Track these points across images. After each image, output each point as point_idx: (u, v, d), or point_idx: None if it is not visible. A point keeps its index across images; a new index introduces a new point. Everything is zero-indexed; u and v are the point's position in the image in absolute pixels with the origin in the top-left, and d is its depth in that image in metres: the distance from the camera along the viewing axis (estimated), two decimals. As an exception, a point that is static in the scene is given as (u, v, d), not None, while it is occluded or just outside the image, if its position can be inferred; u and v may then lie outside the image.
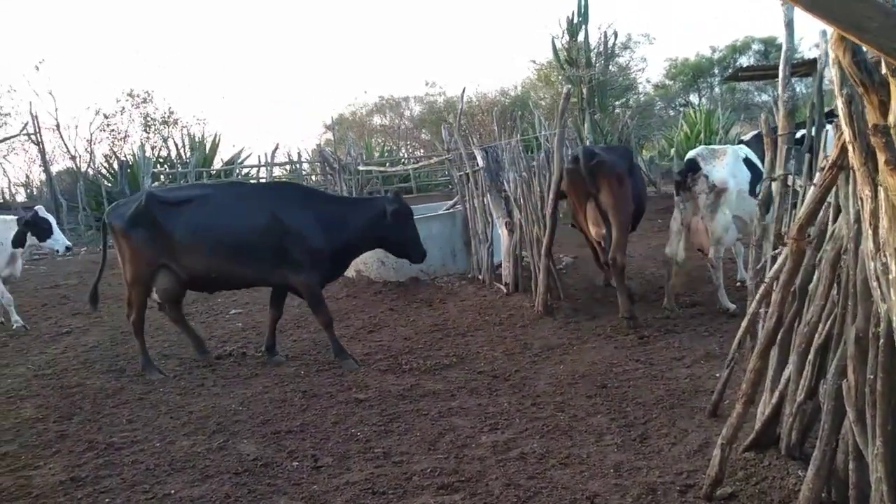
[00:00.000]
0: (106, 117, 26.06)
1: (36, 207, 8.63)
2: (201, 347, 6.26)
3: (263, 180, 17.48)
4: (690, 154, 6.57)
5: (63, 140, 24.96)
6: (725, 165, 6.32)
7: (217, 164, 22.62)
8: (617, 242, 6.32)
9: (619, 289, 6.35)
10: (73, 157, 25.00)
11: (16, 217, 8.35)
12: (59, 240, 8.49)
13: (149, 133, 26.97)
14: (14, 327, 8.12)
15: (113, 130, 26.37)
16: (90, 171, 24.06)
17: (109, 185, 19.75)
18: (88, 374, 6.04)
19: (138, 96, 26.88)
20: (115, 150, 25.28)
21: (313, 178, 22.52)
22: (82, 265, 13.10)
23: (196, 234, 5.71)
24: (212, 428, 4.55)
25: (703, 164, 6.31)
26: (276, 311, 6.20)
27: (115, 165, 20.51)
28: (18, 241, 8.27)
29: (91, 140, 25.81)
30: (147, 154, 19.64)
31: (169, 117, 27.57)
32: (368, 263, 9.17)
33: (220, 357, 6.29)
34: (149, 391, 5.45)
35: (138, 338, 5.97)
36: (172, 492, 3.67)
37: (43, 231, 8.31)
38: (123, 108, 26.62)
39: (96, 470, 4.00)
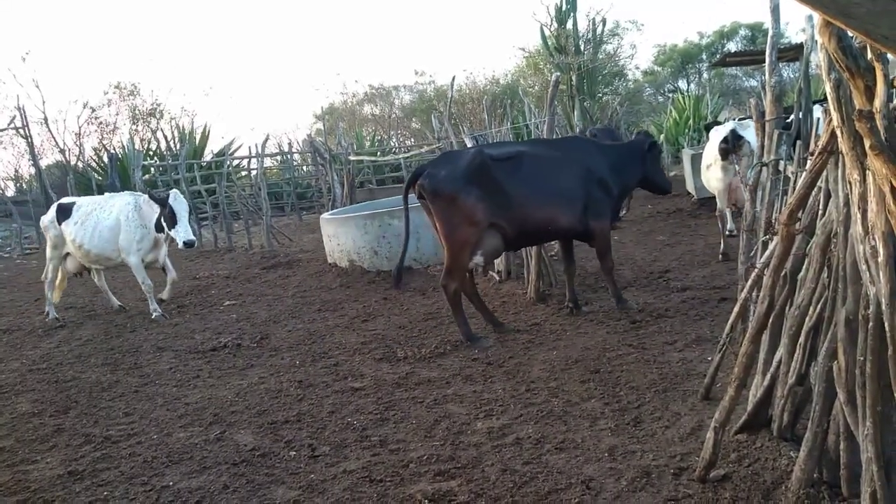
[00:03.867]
0: (93, 110, 25.95)
1: (170, 191, 7.83)
2: (496, 322, 6.02)
3: (255, 171, 17.36)
4: (730, 125, 7.94)
5: (51, 133, 24.83)
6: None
7: (207, 155, 22.52)
8: None
9: None
10: (62, 151, 24.88)
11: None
12: (179, 231, 7.54)
13: (137, 126, 26.85)
14: (153, 316, 7.73)
15: (101, 123, 26.26)
16: (80, 165, 23.93)
17: (99, 178, 19.64)
18: (83, 367, 6.05)
19: (125, 88, 26.75)
20: (105, 143, 25.18)
21: (304, 168, 22.46)
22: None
23: (533, 190, 5.73)
24: (208, 419, 4.57)
25: (744, 134, 7.50)
26: (572, 265, 6.39)
27: (105, 158, 20.37)
28: (159, 226, 7.71)
29: (80, 133, 25.68)
30: (136, 147, 19.50)
31: (156, 109, 27.44)
32: (361, 253, 9.17)
33: (214, 349, 6.30)
34: (144, 384, 5.47)
35: (457, 311, 5.70)
36: (171, 483, 3.70)
37: (169, 218, 7.59)
38: (110, 101, 26.51)
39: (94, 463, 4.02)
